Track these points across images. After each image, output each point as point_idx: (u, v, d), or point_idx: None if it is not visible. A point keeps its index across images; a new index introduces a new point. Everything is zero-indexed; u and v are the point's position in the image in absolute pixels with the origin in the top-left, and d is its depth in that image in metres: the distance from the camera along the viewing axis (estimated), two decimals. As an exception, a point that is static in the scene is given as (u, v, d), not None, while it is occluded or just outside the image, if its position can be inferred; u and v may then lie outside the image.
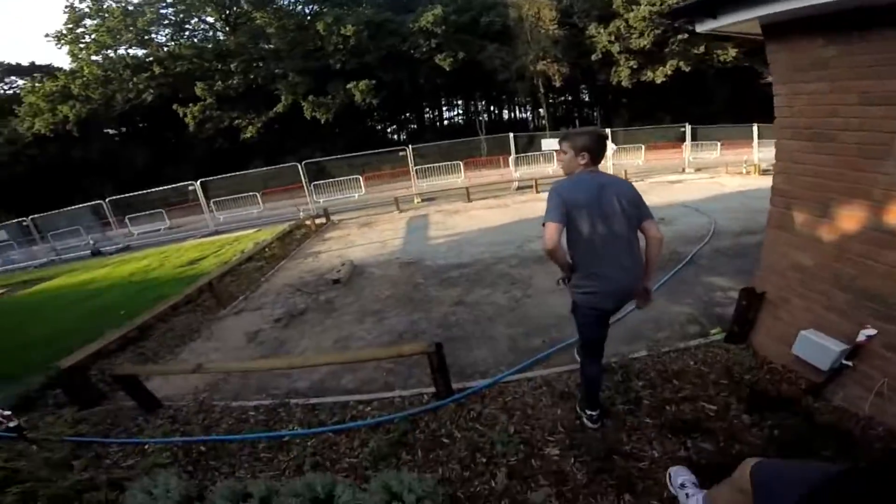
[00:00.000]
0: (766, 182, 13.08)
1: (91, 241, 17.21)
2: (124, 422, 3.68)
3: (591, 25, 30.03)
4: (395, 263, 7.72)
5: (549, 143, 19.86)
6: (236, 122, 29.35)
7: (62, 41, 29.28)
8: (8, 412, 3.10)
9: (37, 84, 28.62)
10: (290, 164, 16.75)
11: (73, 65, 29.32)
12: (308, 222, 12.75)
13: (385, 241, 9.79)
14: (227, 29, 31.10)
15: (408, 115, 39.71)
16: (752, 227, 7.42)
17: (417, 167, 17.75)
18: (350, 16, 29.37)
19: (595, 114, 36.34)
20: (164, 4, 29.84)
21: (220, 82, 28.88)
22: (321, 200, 16.89)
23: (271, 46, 29.75)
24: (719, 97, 30.38)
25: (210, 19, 31.59)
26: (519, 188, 15.07)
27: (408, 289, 6.31)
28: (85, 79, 28.29)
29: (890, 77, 2.28)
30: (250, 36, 29.82)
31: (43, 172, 28.17)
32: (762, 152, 19.16)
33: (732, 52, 27.41)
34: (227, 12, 30.87)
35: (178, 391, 4.19)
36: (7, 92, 31.78)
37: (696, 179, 14.57)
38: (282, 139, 30.49)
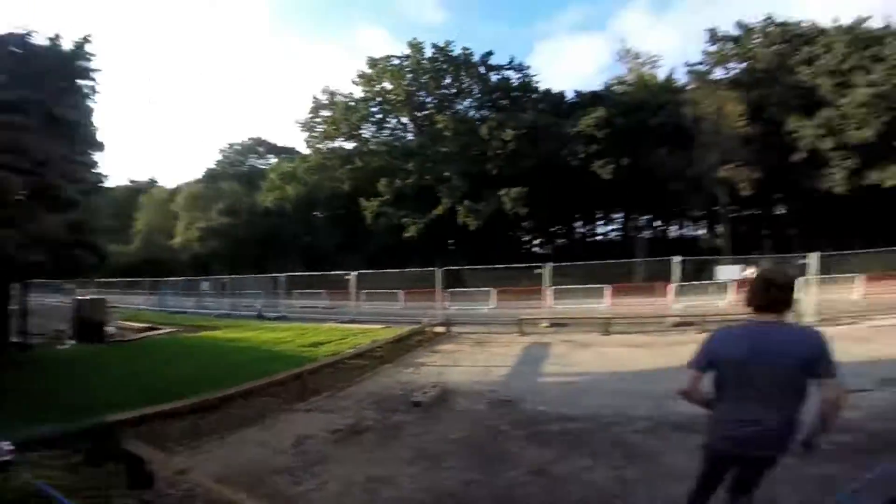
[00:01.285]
0: None
1: (258, 306, 20.33)
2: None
3: (792, 118, 25.18)
4: (488, 398, 6.50)
5: (728, 272, 16.53)
6: (403, 220, 32.01)
7: (303, 128, 37.79)
8: (9, 447, 3.17)
9: (280, 163, 38.13)
10: (430, 268, 17.50)
11: (308, 150, 37.12)
12: (428, 329, 12.56)
13: (490, 367, 8.64)
14: (415, 130, 35.90)
15: (558, 228, 38.63)
16: None
17: (555, 287, 16.54)
18: (512, 119, 30.45)
19: (793, 232, 29.24)
20: (374, 103, 36.00)
21: (398, 180, 32.35)
22: (453, 308, 16.83)
23: (445, 149, 32.36)
24: None
25: (405, 119, 36.77)
26: (678, 324, 12.26)
27: (486, 435, 5.04)
28: (309, 164, 36.14)
29: None
30: (430, 137, 33.29)
31: (260, 238, 35.49)
32: None
33: None
34: (418, 114, 35.78)
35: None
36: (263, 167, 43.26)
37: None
38: (438, 240, 32.45)
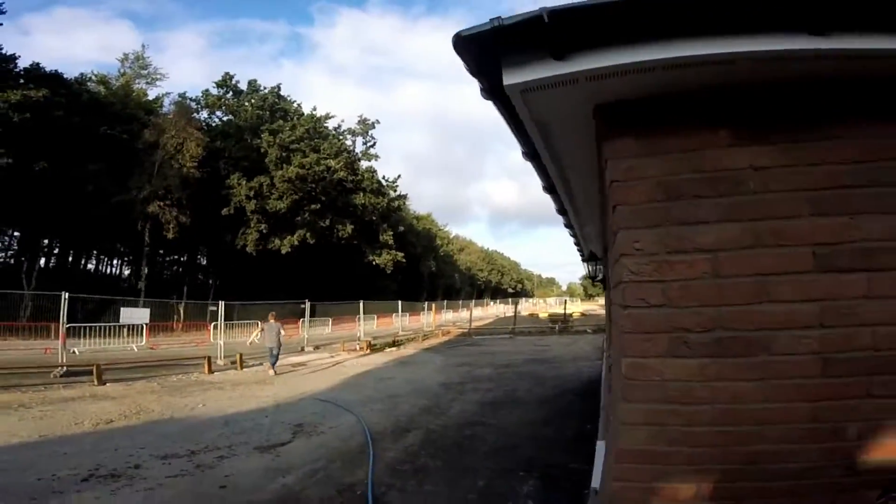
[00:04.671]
0: (381, 358, 13.67)
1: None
2: None
3: (235, 175, 27.24)
4: None
5: (134, 314, 14.73)
6: None
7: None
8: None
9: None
10: None
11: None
12: None
13: None
14: None
15: None
16: (402, 422, 6.43)
17: None
18: None
19: (211, 282, 31.65)
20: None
21: None
22: None
23: None
24: (333, 273, 32.77)
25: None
26: (70, 374, 9.18)
27: None
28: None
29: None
30: None
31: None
32: (366, 325, 21.44)
33: (349, 228, 31.27)
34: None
35: None
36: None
37: (318, 359, 13.74)
38: None
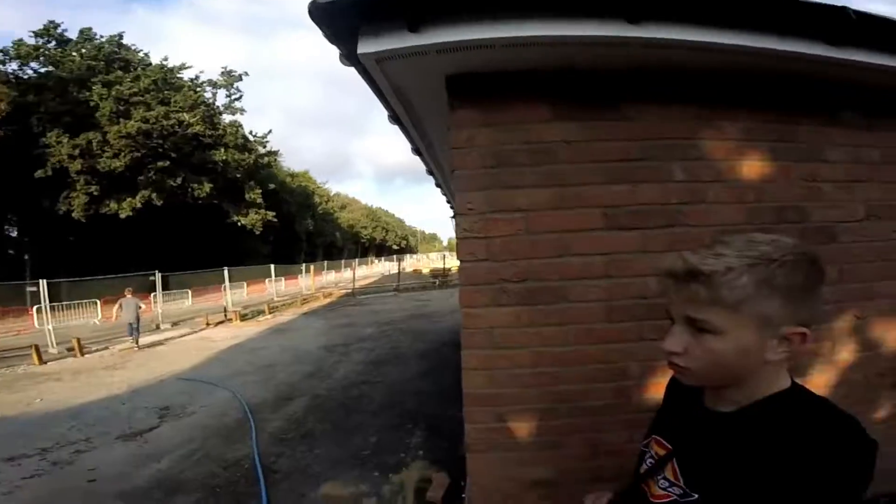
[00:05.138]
0: (254, 328, 13.12)
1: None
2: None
3: (54, 132, 22.65)
4: None
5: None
6: None
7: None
8: None
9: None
10: None
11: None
12: None
13: None
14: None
15: None
16: (283, 391, 6.32)
17: None
18: None
19: (26, 256, 25.50)
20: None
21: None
22: None
23: None
24: (190, 237, 28.98)
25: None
26: None
27: None
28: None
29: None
30: None
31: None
32: (235, 293, 19.81)
33: (207, 187, 27.91)
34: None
35: None
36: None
37: (179, 337, 12.43)
38: None
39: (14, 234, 27.26)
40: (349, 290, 22.81)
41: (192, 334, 12.79)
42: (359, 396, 5.94)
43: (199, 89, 29.64)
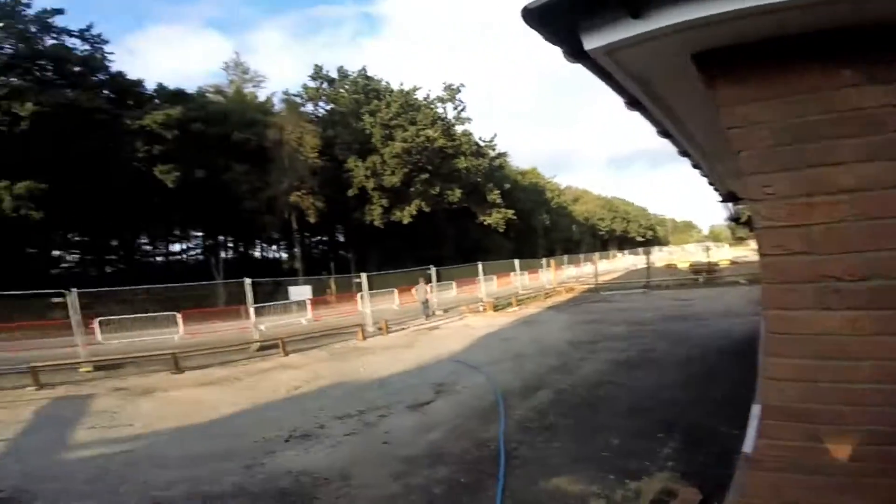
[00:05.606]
0: (504, 318, 14.30)
1: None
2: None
3: (351, 159, 29.94)
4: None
5: (300, 291, 17.41)
6: None
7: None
8: None
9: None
10: None
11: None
12: None
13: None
14: None
15: (113, 242, 29.69)
16: (530, 382, 6.72)
17: (102, 317, 12.34)
18: (42, 93, 20.99)
19: (350, 256, 35.48)
20: None
21: None
22: None
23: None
24: (448, 237, 34.47)
25: None
26: (262, 348, 11.51)
27: None
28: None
29: None
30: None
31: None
32: (487, 286, 22.24)
33: (458, 192, 32.49)
34: None
35: None
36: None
37: (448, 322, 14.76)
38: None
39: (342, 239, 38.49)
40: (591, 286, 22.21)
41: (459, 321, 15.01)
42: (604, 396, 5.74)
43: (432, 106, 34.03)
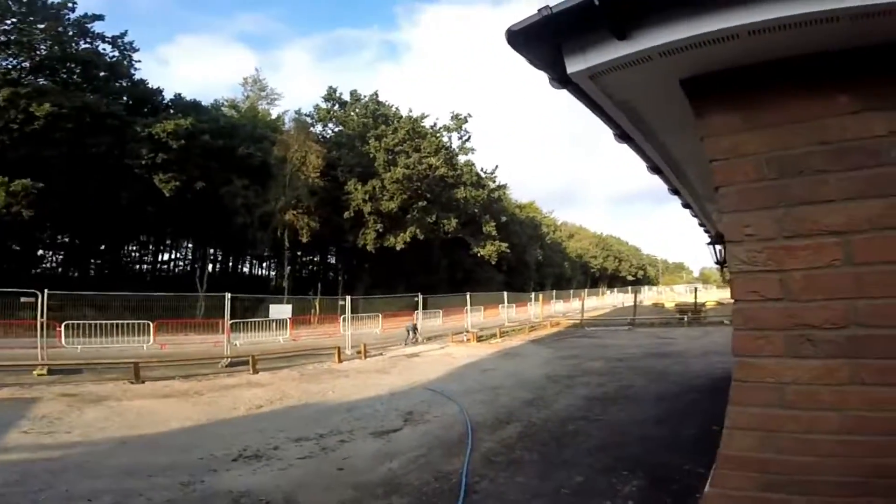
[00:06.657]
0: (487, 349, 13.77)
1: None
2: None
3: (351, 181, 29.83)
4: None
5: (280, 310, 16.97)
6: None
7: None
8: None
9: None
10: None
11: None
12: None
13: None
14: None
15: (101, 246, 29.09)
16: (502, 414, 6.47)
17: (68, 321, 11.98)
18: (62, 95, 20.99)
19: (340, 278, 34.96)
20: None
21: None
22: None
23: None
24: (440, 266, 34.09)
25: None
26: (231, 364, 11.10)
27: None
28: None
29: None
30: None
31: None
32: (473, 316, 21.99)
33: (454, 222, 32.31)
34: None
35: None
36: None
37: (430, 351, 14.42)
38: None
39: (333, 260, 38.13)
40: (577, 321, 22.04)
41: (440, 350, 14.69)
42: (574, 432, 5.54)
43: (438, 134, 34.29)
